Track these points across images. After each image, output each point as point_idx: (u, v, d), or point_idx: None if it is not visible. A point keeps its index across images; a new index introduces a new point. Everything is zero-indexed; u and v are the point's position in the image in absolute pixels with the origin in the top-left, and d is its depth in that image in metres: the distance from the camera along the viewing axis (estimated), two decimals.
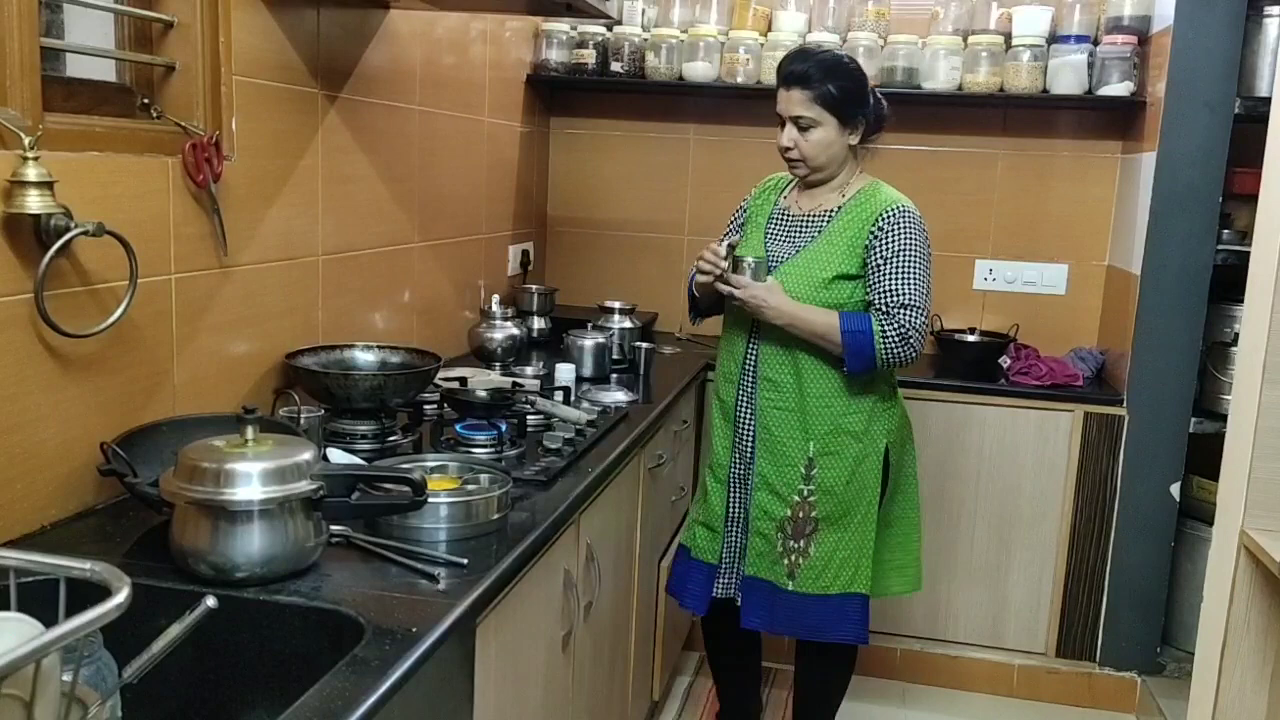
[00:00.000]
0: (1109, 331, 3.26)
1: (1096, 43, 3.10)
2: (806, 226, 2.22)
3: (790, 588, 2.21)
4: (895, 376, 2.28)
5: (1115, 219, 3.30)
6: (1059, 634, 3.12)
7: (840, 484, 2.19)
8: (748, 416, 2.26)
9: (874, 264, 2.12)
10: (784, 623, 2.25)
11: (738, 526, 2.30)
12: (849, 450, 2.18)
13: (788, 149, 2.16)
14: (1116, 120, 3.27)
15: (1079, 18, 3.11)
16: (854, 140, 2.17)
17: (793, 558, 2.20)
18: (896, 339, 2.08)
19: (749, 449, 2.26)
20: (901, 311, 2.09)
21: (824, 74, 2.10)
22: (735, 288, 2.14)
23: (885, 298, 2.10)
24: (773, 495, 2.22)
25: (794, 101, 2.12)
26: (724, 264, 2.15)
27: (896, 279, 2.10)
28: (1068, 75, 3.07)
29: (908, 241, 2.11)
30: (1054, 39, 3.13)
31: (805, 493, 2.19)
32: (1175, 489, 2.98)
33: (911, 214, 2.14)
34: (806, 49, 2.26)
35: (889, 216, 2.12)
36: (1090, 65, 3.08)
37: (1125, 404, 2.98)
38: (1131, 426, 2.97)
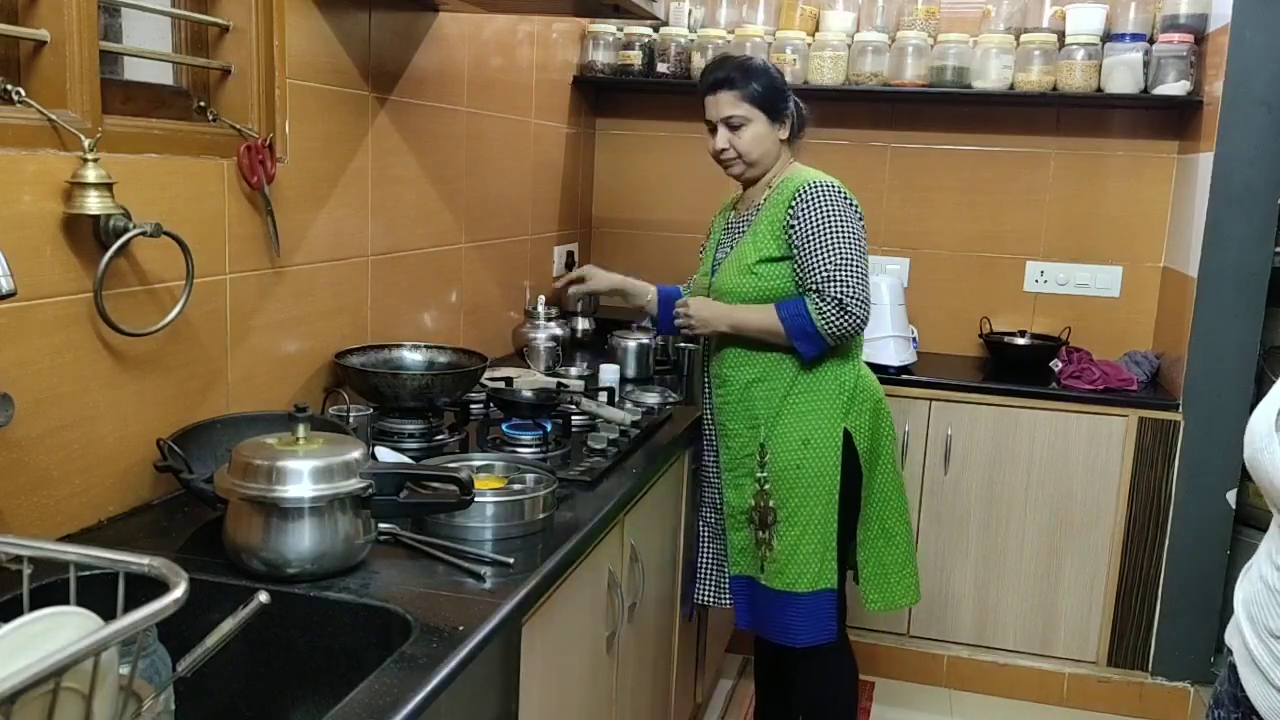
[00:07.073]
0: (1164, 335, 3.19)
1: (1152, 41, 3.04)
2: (743, 227, 2.29)
3: (764, 582, 2.25)
4: (857, 363, 2.26)
5: (1171, 220, 3.24)
6: (1110, 643, 3.06)
7: (791, 467, 2.20)
8: (709, 415, 2.35)
9: (798, 246, 2.14)
10: (764, 621, 2.28)
11: (714, 531, 2.37)
12: (795, 432, 2.20)
13: (722, 150, 2.23)
14: (1172, 120, 3.20)
15: (1134, 16, 3.05)
16: (783, 135, 2.23)
17: (763, 550, 2.25)
18: (834, 310, 2.10)
19: (714, 448, 2.34)
20: (832, 283, 2.10)
21: (747, 75, 2.18)
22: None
23: (814, 274, 2.12)
24: (736, 489, 2.28)
25: (723, 103, 2.19)
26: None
27: (820, 253, 2.11)
28: (1123, 74, 3.02)
29: (825, 214, 2.12)
30: (1108, 37, 3.07)
31: (762, 480, 2.23)
32: (1231, 496, 2.91)
33: (828, 187, 2.15)
34: (726, 56, 2.35)
35: (802, 194, 2.14)
36: (1146, 64, 3.02)
37: (1181, 409, 2.92)
38: (1187, 432, 2.91)
